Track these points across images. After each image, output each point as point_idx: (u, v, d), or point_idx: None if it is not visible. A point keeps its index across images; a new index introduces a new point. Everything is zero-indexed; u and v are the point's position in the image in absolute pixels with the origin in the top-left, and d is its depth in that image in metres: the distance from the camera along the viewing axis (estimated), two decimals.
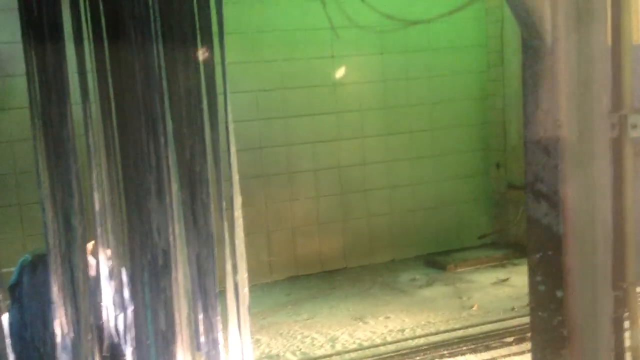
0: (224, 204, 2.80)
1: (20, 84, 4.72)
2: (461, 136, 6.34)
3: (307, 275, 5.87)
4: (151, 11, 2.81)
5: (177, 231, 2.86)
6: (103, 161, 3.11)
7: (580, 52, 2.11)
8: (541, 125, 2.15)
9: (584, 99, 2.12)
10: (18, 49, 4.34)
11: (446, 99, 6.26)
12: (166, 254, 2.90)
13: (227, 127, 2.80)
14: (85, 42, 3.06)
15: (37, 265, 3.73)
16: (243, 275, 2.83)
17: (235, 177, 2.85)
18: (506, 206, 6.28)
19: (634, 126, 2.19)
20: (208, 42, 2.80)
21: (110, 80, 3.01)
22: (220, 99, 2.78)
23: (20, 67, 4.06)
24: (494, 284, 5.41)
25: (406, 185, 6.20)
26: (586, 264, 2.16)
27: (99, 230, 3.39)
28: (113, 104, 3.04)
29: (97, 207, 3.27)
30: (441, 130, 6.27)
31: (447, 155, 6.30)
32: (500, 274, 5.62)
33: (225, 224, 2.82)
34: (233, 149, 2.82)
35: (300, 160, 5.87)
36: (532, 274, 2.19)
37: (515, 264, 5.82)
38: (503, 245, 6.20)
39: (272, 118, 5.77)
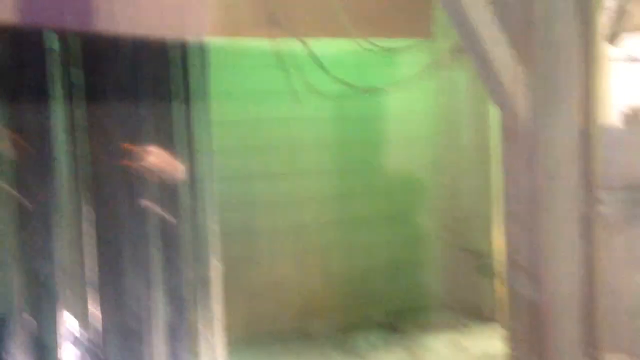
0: (201, 270, 2.80)
1: None
2: (415, 200, 6.52)
3: (260, 335, 5.84)
4: (134, 75, 2.86)
5: (151, 296, 2.85)
6: (76, 221, 3.08)
7: (553, 132, 2.28)
8: (520, 202, 2.29)
9: (558, 177, 2.27)
10: None
11: (400, 163, 6.45)
12: (139, 319, 2.89)
13: (208, 191, 2.83)
14: (61, 102, 3.07)
15: None
16: (220, 336, 2.83)
17: (213, 239, 2.86)
18: (458, 269, 6.45)
19: (605, 203, 2.35)
20: (187, 104, 2.86)
21: (89, 140, 3.03)
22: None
23: None
24: (450, 347, 5.49)
25: (361, 246, 6.30)
26: (561, 332, 2.28)
27: (67, 291, 3.33)
28: (91, 167, 3.05)
29: (66, 267, 3.22)
30: (396, 194, 6.43)
31: (401, 218, 6.46)
32: (456, 336, 5.72)
33: (200, 287, 2.83)
34: (213, 211, 2.85)
35: (258, 221, 5.91)
36: (511, 340, 2.29)
37: (469, 327, 5.94)
38: (457, 308, 6.33)
39: (230, 178, 5.82)
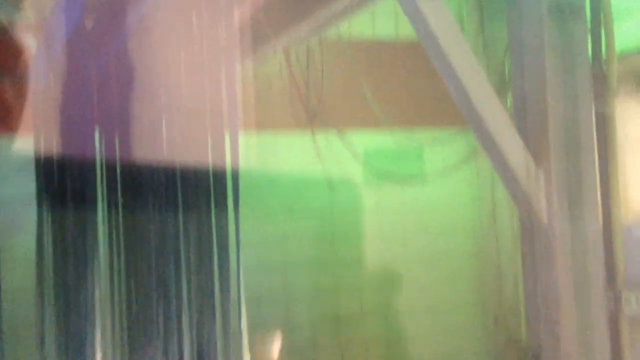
0: None
1: (24, 242, 4.80)
2: (457, 291, 6.43)
3: None
4: (169, 181, 2.98)
5: None
6: (109, 322, 3.17)
7: (574, 232, 2.28)
8: (541, 300, 2.27)
9: (580, 276, 2.26)
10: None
11: (441, 254, 6.41)
12: None
13: (239, 291, 2.87)
14: (101, 206, 3.22)
15: None
16: None
17: (245, 339, 2.88)
18: None
19: (629, 302, 2.32)
20: (222, 210, 2.94)
21: (124, 244, 3.13)
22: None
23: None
24: None
25: (406, 338, 6.21)
26: None
27: None
28: (125, 267, 3.14)
29: None
30: (437, 285, 6.36)
31: (444, 311, 6.36)
32: None
33: None
34: (244, 316, 2.88)
35: (299, 312, 5.92)
36: None
37: None
38: None
39: (271, 270, 5.88)
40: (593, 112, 2.30)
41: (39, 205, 3.98)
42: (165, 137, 2.94)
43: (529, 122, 2.31)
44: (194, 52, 2.80)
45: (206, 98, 2.80)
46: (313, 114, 6.01)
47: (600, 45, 2.31)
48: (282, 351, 5.75)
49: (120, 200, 3.13)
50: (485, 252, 6.47)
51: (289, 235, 5.89)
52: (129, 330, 3.07)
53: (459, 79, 2.22)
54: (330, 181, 6.03)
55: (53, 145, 3.63)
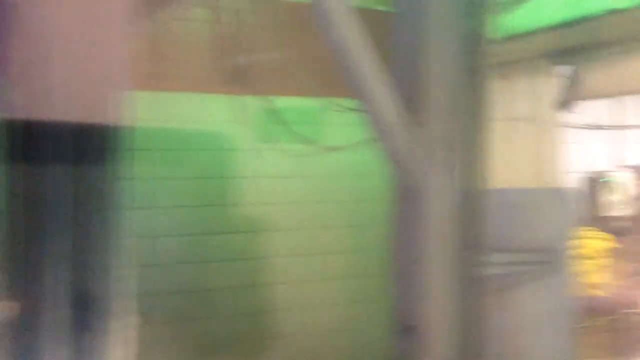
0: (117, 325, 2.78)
1: None
2: (376, 260, 6.49)
3: None
4: (63, 134, 2.89)
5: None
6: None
7: (441, 193, 2.31)
8: (406, 260, 2.30)
9: (442, 237, 2.29)
10: None
11: (362, 222, 6.44)
12: None
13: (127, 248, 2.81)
14: None
15: None
16: None
17: (130, 296, 2.84)
18: None
19: (489, 264, 2.36)
20: (115, 162, 2.87)
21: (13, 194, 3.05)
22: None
23: None
24: None
25: (319, 306, 6.25)
26: None
27: None
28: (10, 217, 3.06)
29: None
30: (356, 253, 6.41)
31: (361, 278, 6.41)
32: None
33: (117, 344, 2.80)
34: (130, 268, 2.83)
35: (213, 278, 5.88)
36: None
37: None
38: None
39: (187, 235, 5.82)
40: (471, 73, 2.31)
41: None
42: (50, 92, 2.86)
43: (407, 80, 2.32)
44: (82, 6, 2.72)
45: (95, 53, 2.73)
46: (238, 76, 5.93)
47: (479, 9, 2.32)
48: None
49: (6, 153, 3.04)
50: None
51: (205, 200, 5.82)
52: (11, 280, 3.00)
53: (339, 33, 2.20)
54: (252, 145, 5.98)
55: None
